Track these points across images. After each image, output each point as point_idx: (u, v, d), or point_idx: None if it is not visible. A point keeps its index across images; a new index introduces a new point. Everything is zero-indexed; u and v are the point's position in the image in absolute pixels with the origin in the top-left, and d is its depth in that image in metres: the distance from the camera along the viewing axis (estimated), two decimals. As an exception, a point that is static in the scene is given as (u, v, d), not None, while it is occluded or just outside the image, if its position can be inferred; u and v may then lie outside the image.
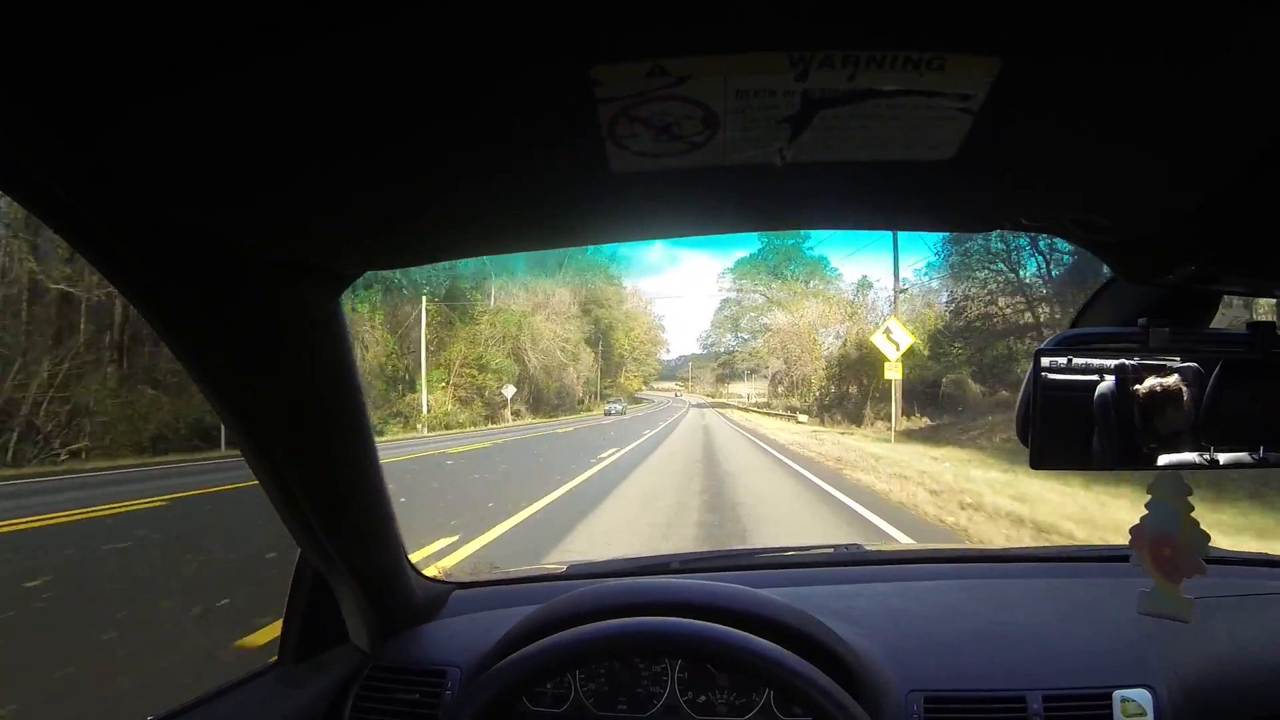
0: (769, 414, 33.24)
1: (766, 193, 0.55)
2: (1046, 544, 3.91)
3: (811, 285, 36.04)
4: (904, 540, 5.18)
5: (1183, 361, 0.65)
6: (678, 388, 59.09)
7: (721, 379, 53.79)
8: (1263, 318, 0.66)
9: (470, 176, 0.49)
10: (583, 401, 39.50)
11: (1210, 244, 0.59)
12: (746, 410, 38.60)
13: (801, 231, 28.96)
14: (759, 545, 2.76)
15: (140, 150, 0.44)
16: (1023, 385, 0.68)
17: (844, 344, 27.41)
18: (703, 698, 0.93)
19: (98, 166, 0.45)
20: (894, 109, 0.41)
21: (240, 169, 0.47)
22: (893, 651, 0.94)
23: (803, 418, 27.57)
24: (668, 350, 55.34)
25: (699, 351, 57.48)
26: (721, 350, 49.48)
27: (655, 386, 57.60)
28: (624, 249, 46.08)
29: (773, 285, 39.30)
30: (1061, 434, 0.65)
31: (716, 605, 0.86)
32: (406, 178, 0.48)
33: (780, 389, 37.35)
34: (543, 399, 33.11)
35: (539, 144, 0.45)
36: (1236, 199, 0.51)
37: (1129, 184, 0.52)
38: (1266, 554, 1.16)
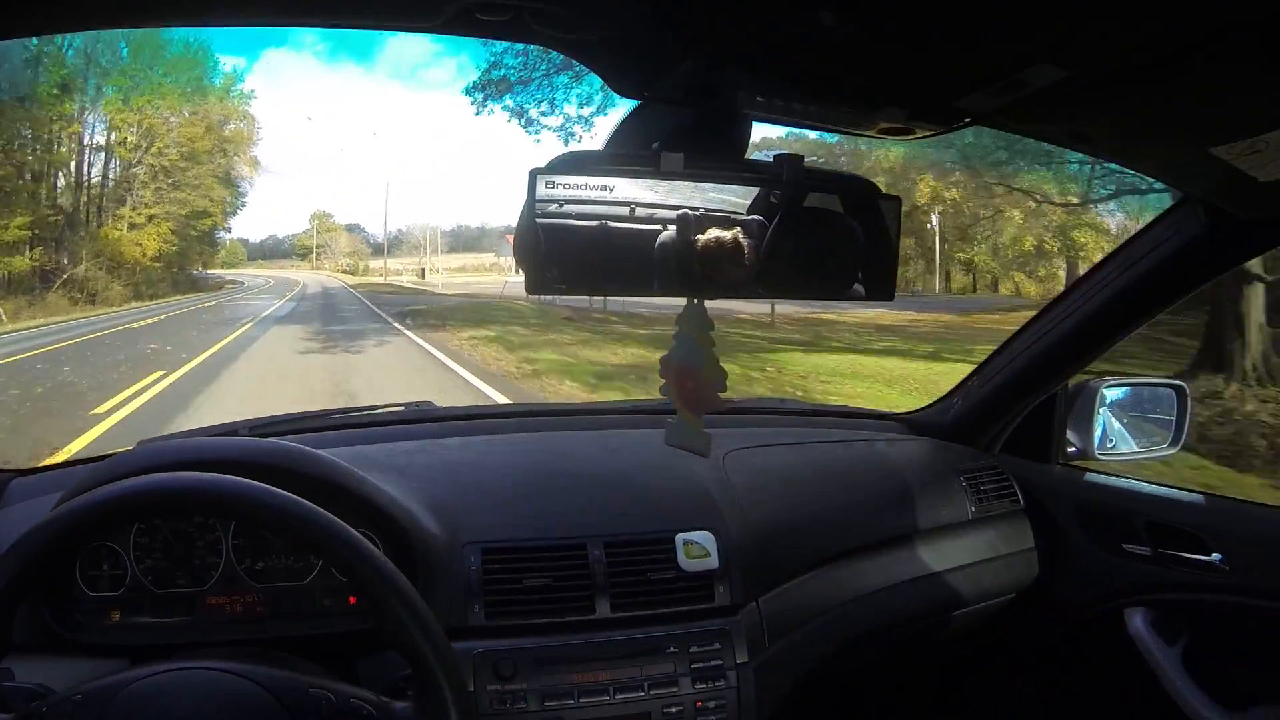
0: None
1: None
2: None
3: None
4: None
5: (715, 201, 0.64)
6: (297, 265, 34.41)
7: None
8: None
9: None
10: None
11: (688, 46, 0.56)
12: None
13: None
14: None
15: None
16: (521, 209, 0.62)
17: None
18: (260, 564, 0.89)
19: None
20: None
21: None
22: (448, 505, 0.93)
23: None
24: (260, 168, 22.52)
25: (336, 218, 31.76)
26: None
27: (263, 265, 31.71)
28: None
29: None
30: (559, 257, 0.61)
31: (246, 460, 0.82)
32: None
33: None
34: None
35: None
36: None
37: None
38: (839, 405, 1.34)
